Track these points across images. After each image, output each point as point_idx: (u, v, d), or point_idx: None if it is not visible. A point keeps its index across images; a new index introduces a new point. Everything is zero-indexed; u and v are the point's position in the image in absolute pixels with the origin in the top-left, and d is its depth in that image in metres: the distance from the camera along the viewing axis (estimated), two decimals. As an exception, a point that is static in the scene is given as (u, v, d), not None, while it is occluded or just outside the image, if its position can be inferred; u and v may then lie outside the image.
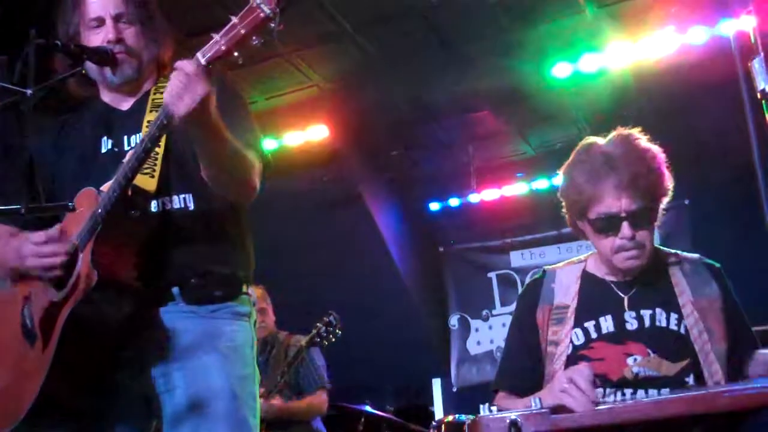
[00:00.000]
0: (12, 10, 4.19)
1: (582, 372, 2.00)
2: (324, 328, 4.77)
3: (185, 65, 1.92)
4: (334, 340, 4.81)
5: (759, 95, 2.05)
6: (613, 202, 2.22)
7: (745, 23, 2.12)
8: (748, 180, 3.16)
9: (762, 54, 2.05)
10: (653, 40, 5.82)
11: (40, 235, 2.12)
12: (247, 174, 2.20)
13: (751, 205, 3.45)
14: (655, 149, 2.32)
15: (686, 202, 7.38)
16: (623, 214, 2.23)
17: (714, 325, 2.24)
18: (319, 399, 4.86)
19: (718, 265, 2.39)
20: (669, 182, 2.32)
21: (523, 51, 5.99)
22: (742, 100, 2.82)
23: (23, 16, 4.08)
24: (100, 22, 2.29)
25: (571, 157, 2.40)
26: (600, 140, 2.37)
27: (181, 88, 1.91)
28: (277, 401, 4.61)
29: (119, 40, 2.28)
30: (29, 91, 1.91)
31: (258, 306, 4.92)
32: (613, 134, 2.36)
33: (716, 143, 6.28)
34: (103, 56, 2.25)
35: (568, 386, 1.94)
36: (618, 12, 5.71)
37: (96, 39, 2.28)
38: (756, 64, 2.05)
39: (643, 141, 2.33)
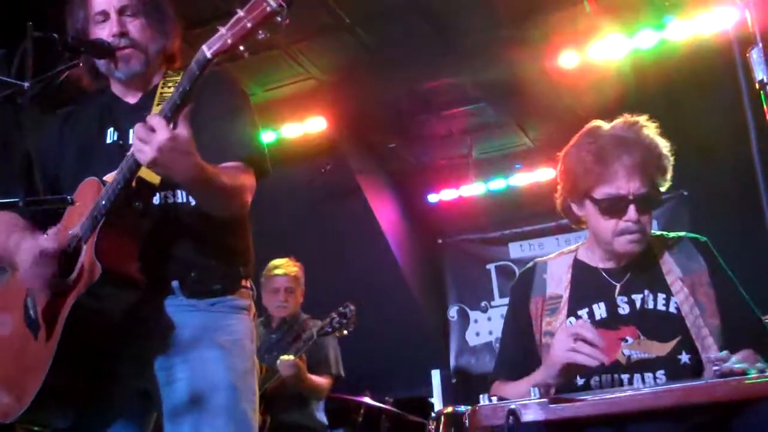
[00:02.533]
0: (10, 4, 4.18)
1: (584, 326, 2.03)
2: (337, 318, 4.61)
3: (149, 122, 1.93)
4: (346, 333, 4.65)
5: (757, 85, 2.04)
6: (624, 183, 2.24)
7: (743, 14, 2.11)
8: (746, 170, 3.17)
9: (760, 44, 2.04)
10: (652, 31, 5.81)
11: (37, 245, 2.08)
12: (235, 203, 2.23)
13: (749, 195, 3.46)
14: (659, 139, 2.34)
15: (684, 193, 7.37)
16: (631, 197, 2.25)
17: (704, 299, 2.26)
18: (324, 382, 4.81)
19: (703, 239, 2.40)
20: (670, 173, 2.34)
21: (522, 42, 5.98)
22: (740, 90, 2.82)
23: (22, 9, 4.06)
24: (105, 16, 2.28)
25: (575, 139, 2.40)
26: (605, 124, 2.38)
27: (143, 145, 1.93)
28: (301, 362, 4.56)
29: (123, 34, 2.26)
30: (26, 85, 1.90)
31: (285, 285, 4.94)
32: (620, 119, 2.37)
33: (715, 134, 6.28)
34: (100, 49, 2.24)
35: (575, 344, 1.96)
36: (617, 4, 5.69)
37: (102, 33, 2.27)
38: (754, 54, 2.04)
39: (651, 129, 2.35)
